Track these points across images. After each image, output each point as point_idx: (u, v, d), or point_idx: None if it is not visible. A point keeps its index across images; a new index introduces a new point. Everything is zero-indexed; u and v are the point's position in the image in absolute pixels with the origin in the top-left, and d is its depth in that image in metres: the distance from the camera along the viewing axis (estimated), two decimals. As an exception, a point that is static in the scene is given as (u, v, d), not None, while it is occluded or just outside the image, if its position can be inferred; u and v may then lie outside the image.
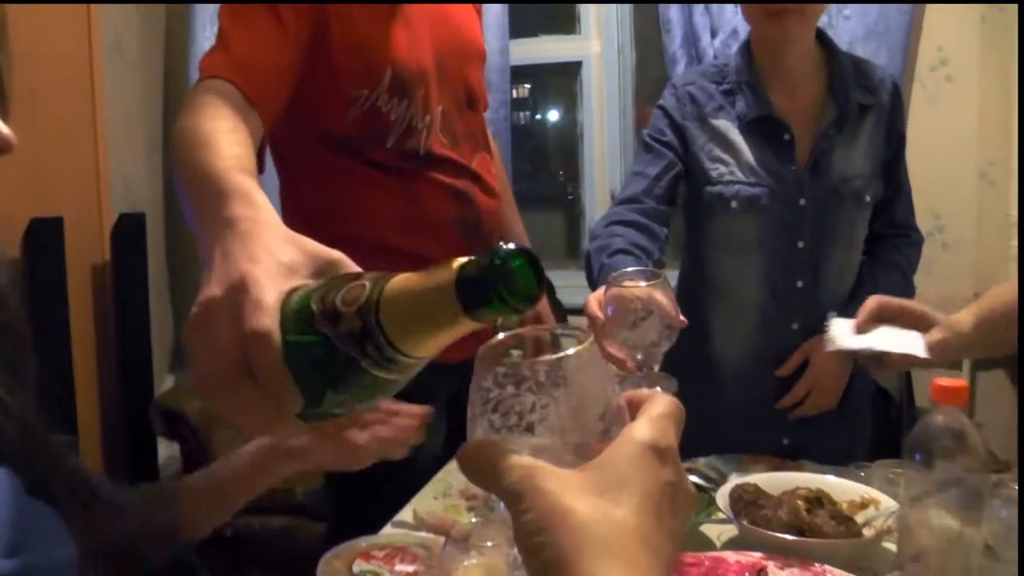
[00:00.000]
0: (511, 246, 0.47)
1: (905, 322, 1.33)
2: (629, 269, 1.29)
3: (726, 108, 1.63)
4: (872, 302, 1.33)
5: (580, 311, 3.15)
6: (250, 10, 1.27)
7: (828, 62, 1.65)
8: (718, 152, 1.63)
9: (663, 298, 1.17)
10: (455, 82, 1.54)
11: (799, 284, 1.60)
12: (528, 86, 3.83)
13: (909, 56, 2.94)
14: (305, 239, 0.63)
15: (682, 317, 1.19)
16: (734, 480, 1.26)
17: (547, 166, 3.92)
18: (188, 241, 3.57)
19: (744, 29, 2.93)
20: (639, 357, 1.19)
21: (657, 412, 0.51)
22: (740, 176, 1.60)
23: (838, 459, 1.46)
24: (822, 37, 1.66)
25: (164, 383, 3.38)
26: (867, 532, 1.11)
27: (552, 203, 3.82)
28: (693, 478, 1.31)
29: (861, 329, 1.33)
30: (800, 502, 1.12)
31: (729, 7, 2.97)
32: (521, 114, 3.86)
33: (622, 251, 1.49)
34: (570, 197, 3.67)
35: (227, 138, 0.94)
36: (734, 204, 1.60)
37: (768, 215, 1.59)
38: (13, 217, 2.33)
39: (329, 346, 0.51)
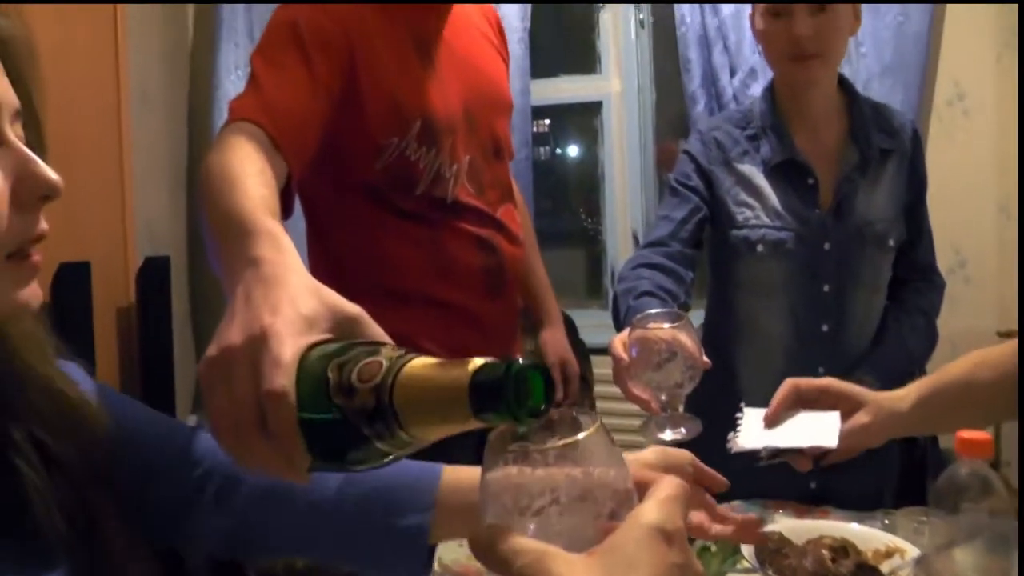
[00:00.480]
0: (526, 362, 0.50)
1: (826, 404, 1.27)
2: (653, 311, 1.30)
3: (751, 153, 1.65)
4: (787, 387, 1.28)
5: (602, 350, 3.14)
6: (283, 56, 1.28)
7: (849, 106, 1.66)
8: (744, 196, 1.64)
9: (687, 340, 1.18)
10: (483, 132, 1.56)
11: (824, 328, 1.60)
12: (548, 121, 3.85)
13: (926, 91, 2.95)
14: (326, 290, 0.63)
15: (706, 359, 1.20)
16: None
17: (568, 203, 3.94)
18: (211, 284, 3.61)
19: (762, 68, 2.97)
20: (663, 398, 1.20)
21: (664, 495, 0.52)
22: (766, 220, 1.62)
23: (866, 503, 1.44)
24: (842, 82, 1.67)
25: (187, 423, 3.40)
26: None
27: (574, 240, 3.83)
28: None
29: (774, 418, 1.28)
30: (825, 551, 1.11)
31: (747, 46, 3.00)
32: (542, 149, 3.88)
33: (648, 293, 1.49)
34: (591, 234, 3.69)
35: (254, 180, 0.95)
36: (760, 248, 1.61)
37: (793, 259, 1.60)
38: (44, 262, 2.37)
39: (341, 417, 0.53)
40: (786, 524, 1.24)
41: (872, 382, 1.50)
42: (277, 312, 0.60)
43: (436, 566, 1.30)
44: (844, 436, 1.23)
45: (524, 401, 0.50)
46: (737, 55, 3.02)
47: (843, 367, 1.52)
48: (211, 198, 0.90)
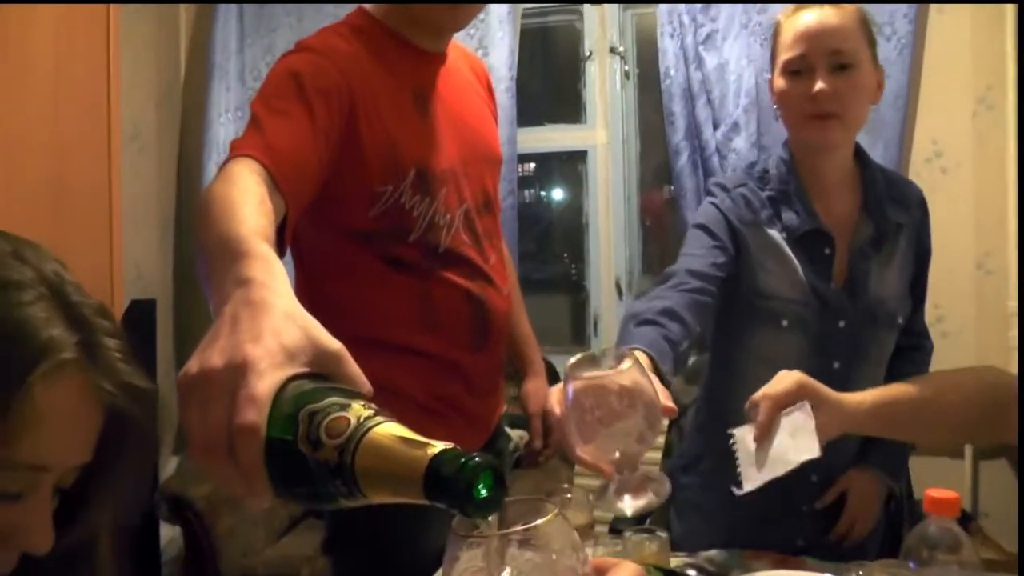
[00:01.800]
0: (482, 462, 0.52)
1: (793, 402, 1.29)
2: (589, 353, 1.06)
3: (775, 218, 1.59)
4: (767, 406, 1.27)
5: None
6: (285, 104, 1.29)
7: (862, 176, 1.62)
8: (772, 264, 1.58)
9: (642, 383, 0.98)
10: (475, 185, 1.58)
11: None
12: (533, 165, 3.90)
13: (904, 149, 3.02)
14: (311, 322, 0.65)
15: (671, 403, 1.05)
16: (735, 576, 1.27)
17: (553, 249, 3.98)
18: (197, 326, 3.62)
19: (745, 123, 3.03)
20: (615, 456, 1.00)
21: None
22: (790, 293, 1.57)
23: (852, 558, 1.45)
24: (857, 151, 1.64)
25: (168, 464, 3.39)
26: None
27: (558, 287, 3.86)
28: (693, 573, 1.32)
29: (764, 431, 1.27)
30: (800, 601, 1.13)
31: (730, 101, 3.06)
32: (527, 192, 3.93)
33: (648, 322, 1.39)
34: (575, 281, 3.72)
35: (252, 209, 0.96)
36: (784, 322, 1.57)
37: (810, 335, 1.56)
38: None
39: (303, 464, 0.55)
40: (762, 574, 1.26)
41: (875, 471, 1.60)
42: (259, 341, 0.61)
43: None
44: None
45: (474, 503, 0.52)
46: (720, 109, 3.08)
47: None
48: (208, 223, 0.91)
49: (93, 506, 0.76)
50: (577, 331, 3.71)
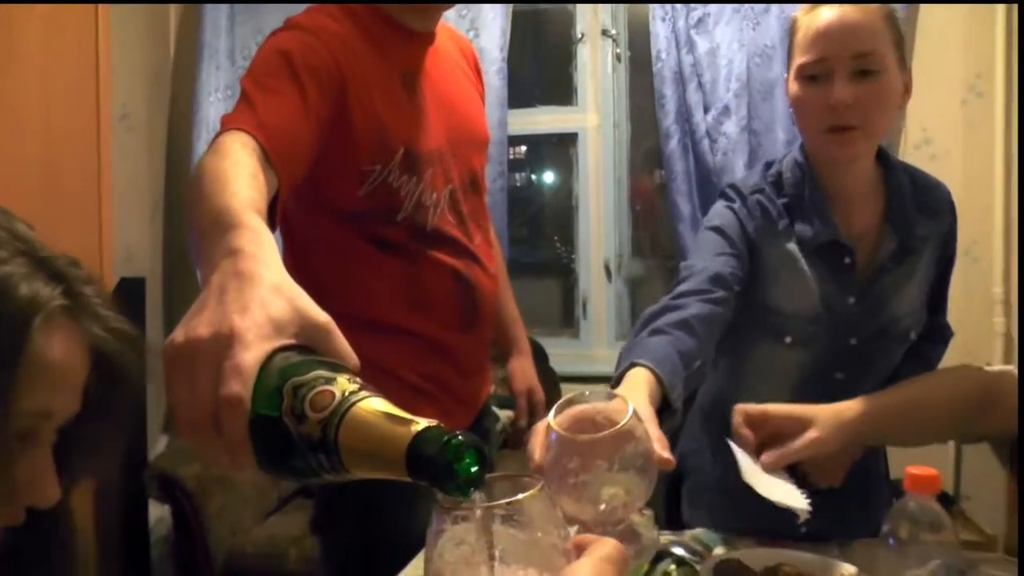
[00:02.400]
0: (465, 441, 0.52)
1: (771, 428, 1.27)
2: (581, 394, 0.93)
3: (792, 227, 1.47)
4: (738, 417, 1.26)
5: (572, 379, 3.19)
6: (275, 82, 1.29)
7: (886, 182, 1.48)
8: (786, 279, 1.47)
9: (636, 429, 0.85)
10: (462, 165, 1.59)
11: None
12: (524, 148, 3.89)
13: (895, 136, 3.04)
14: (299, 293, 0.65)
15: (668, 455, 0.92)
16: (718, 554, 1.28)
17: (542, 232, 3.98)
18: (186, 308, 3.60)
19: (736, 107, 3.03)
20: (601, 508, 0.85)
21: (599, 555, 0.54)
22: (801, 309, 1.47)
23: (834, 538, 1.44)
24: (880, 153, 1.49)
25: (158, 443, 3.39)
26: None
27: (547, 270, 3.87)
28: (677, 550, 1.34)
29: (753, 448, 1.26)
30: (782, 579, 1.15)
31: (721, 85, 3.07)
32: (517, 175, 3.92)
33: (662, 333, 1.27)
34: (565, 264, 3.73)
35: (245, 181, 0.96)
36: (788, 339, 1.48)
37: (817, 351, 1.49)
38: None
39: (288, 437, 0.55)
40: (745, 552, 1.27)
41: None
42: (247, 312, 0.61)
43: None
44: (801, 450, 1.25)
45: (455, 481, 0.52)
46: (711, 93, 3.08)
47: None
48: (200, 195, 0.90)
49: (83, 454, 0.77)
50: (566, 314, 3.72)
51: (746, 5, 3.07)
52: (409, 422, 0.54)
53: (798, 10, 1.45)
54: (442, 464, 0.52)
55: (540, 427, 0.91)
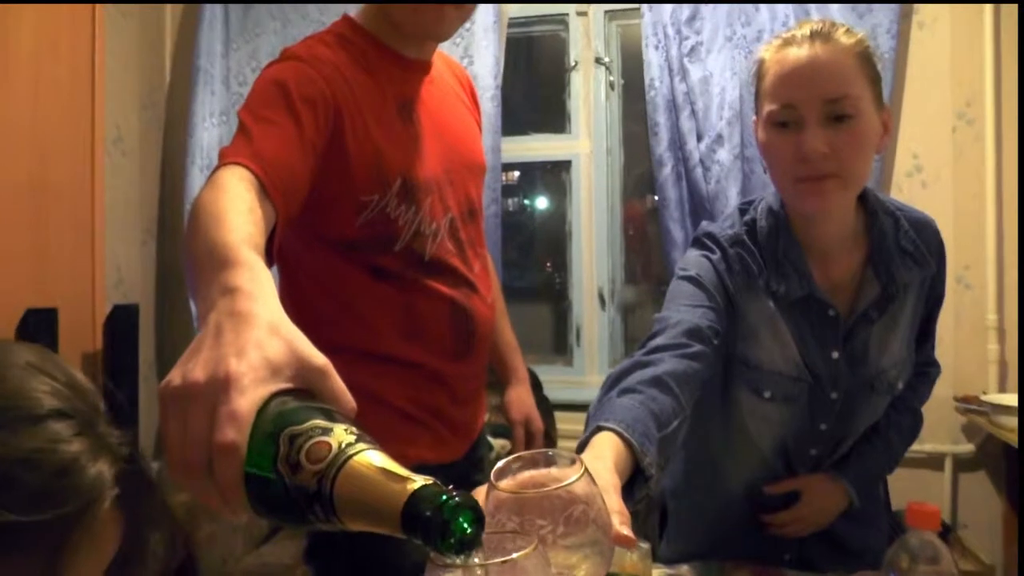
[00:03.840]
0: (461, 501, 0.52)
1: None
2: (527, 454, 0.80)
3: (771, 282, 1.39)
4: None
5: (566, 406, 3.17)
6: (272, 113, 1.29)
7: (869, 227, 1.41)
8: (765, 335, 1.41)
9: (594, 499, 0.72)
10: (460, 193, 1.59)
11: (812, 452, 1.50)
12: (517, 173, 3.90)
13: (886, 164, 3.06)
14: (296, 334, 0.64)
15: (627, 531, 0.80)
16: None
17: (536, 258, 3.98)
18: (178, 332, 3.61)
19: (728, 135, 3.05)
20: None
21: None
22: (781, 367, 1.41)
23: (831, 569, 1.43)
24: (863, 196, 1.41)
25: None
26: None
27: (540, 296, 3.86)
28: (676, 584, 1.33)
29: None
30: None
31: (714, 113, 3.08)
32: (510, 201, 3.93)
33: (633, 392, 1.14)
34: (558, 290, 3.73)
35: (242, 217, 0.95)
36: (767, 393, 1.42)
37: (798, 405, 1.43)
38: (10, 306, 2.36)
39: (282, 486, 0.55)
40: (743, 585, 1.27)
41: (847, 485, 1.49)
42: (243, 356, 0.60)
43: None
44: None
45: (450, 542, 0.52)
46: (704, 121, 3.10)
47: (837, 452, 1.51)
48: (197, 231, 0.89)
49: None
50: (559, 341, 3.72)
51: (738, 35, 3.09)
52: (405, 479, 0.53)
53: (763, 48, 1.37)
54: (438, 524, 0.51)
55: (482, 488, 0.79)
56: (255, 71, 3.47)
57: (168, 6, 3.69)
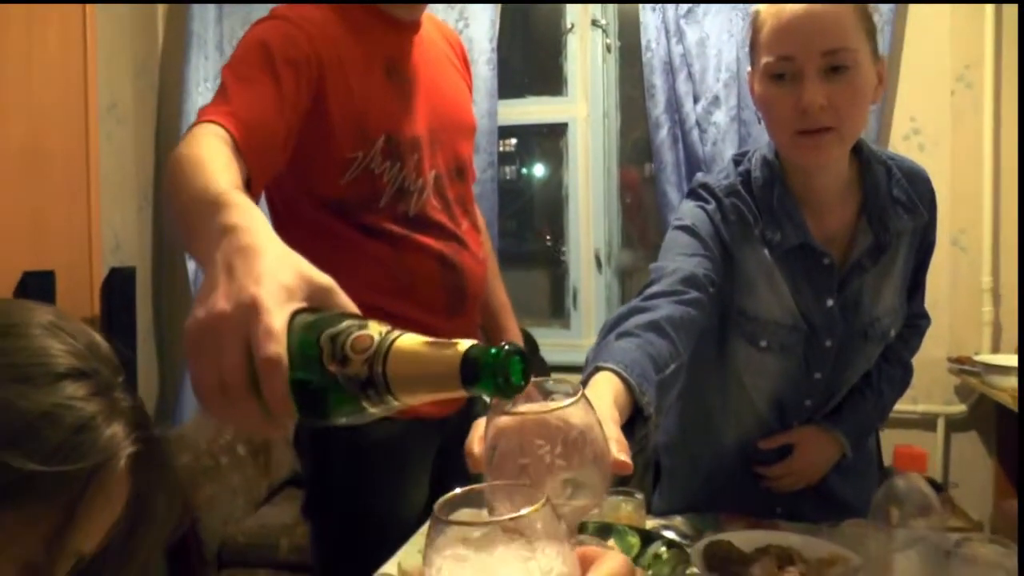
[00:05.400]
0: (511, 349, 0.57)
1: None
2: (548, 382, 0.75)
3: (766, 231, 1.41)
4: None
5: (564, 368, 3.19)
6: (253, 72, 1.31)
7: (863, 177, 1.42)
8: (761, 286, 1.42)
9: (592, 428, 0.68)
10: (447, 152, 1.60)
11: (807, 403, 1.52)
12: (514, 140, 3.89)
13: (884, 126, 3.06)
14: (300, 260, 0.67)
15: (625, 455, 0.79)
16: (708, 537, 1.29)
17: (533, 223, 3.98)
18: (175, 295, 3.61)
19: (725, 97, 3.04)
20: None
21: (606, 571, 0.52)
22: (777, 316, 1.42)
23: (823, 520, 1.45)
24: (857, 147, 1.42)
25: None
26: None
27: (537, 261, 3.87)
28: (669, 533, 1.35)
29: None
30: (771, 559, 1.16)
31: (711, 75, 3.07)
32: (507, 168, 3.92)
33: (630, 335, 1.14)
34: (555, 255, 3.73)
35: (223, 166, 0.99)
36: (763, 343, 1.44)
37: (794, 355, 1.45)
38: (9, 269, 2.38)
39: (333, 383, 0.59)
40: (734, 534, 1.28)
41: (840, 436, 1.52)
42: (261, 283, 0.63)
43: (395, 571, 1.33)
44: None
45: (507, 379, 0.57)
46: (701, 83, 3.09)
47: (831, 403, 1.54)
48: (181, 181, 0.92)
49: None
50: (556, 305, 3.73)
51: (736, -5, 3.08)
52: (453, 344, 0.58)
53: (762, 4, 1.35)
54: (497, 369, 0.56)
55: (479, 421, 0.77)
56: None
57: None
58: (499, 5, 3.31)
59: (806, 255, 1.41)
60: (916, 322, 1.61)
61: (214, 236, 0.71)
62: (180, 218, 0.88)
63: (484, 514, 0.65)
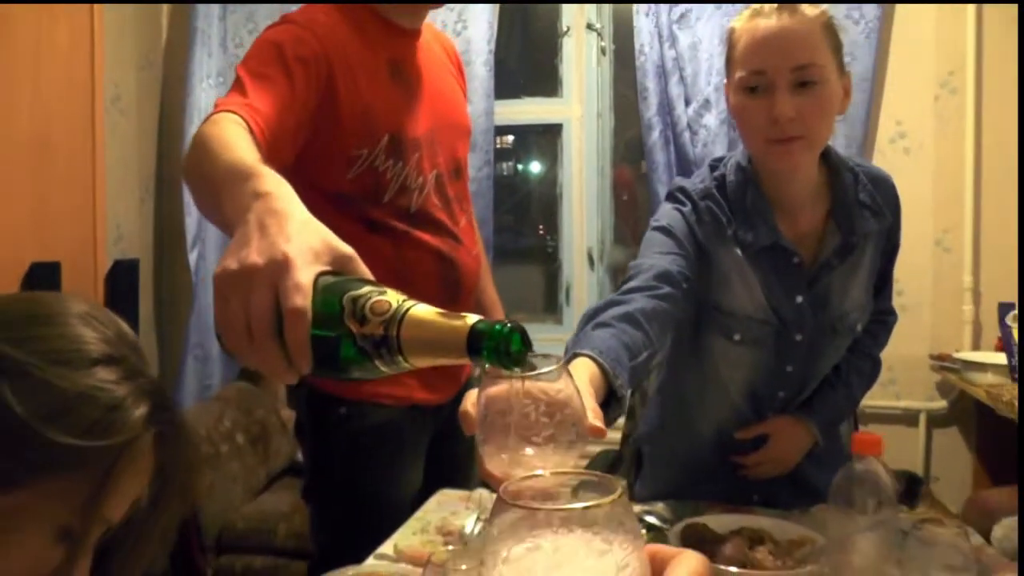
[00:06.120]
0: (513, 325, 0.65)
1: None
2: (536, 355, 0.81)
3: (738, 232, 1.50)
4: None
5: (555, 363, 3.25)
6: (267, 70, 1.39)
7: (831, 182, 1.52)
8: (735, 282, 1.51)
9: (568, 393, 0.77)
10: (446, 152, 1.68)
11: (780, 395, 1.61)
12: (511, 137, 3.95)
13: (870, 129, 3.13)
14: (325, 229, 0.75)
15: (599, 423, 0.88)
16: (686, 521, 1.37)
17: (528, 220, 4.05)
18: (175, 288, 3.68)
19: (716, 100, 3.11)
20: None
21: (687, 570, 0.47)
22: (749, 311, 1.52)
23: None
24: (825, 153, 1.51)
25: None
26: (803, 567, 1.22)
27: (532, 257, 3.93)
28: (649, 518, 1.43)
29: None
30: (743, 539, 1.24)
31: (702, 78, 3.14)
32: (504, 165, 3.99)
33: (605, 325, 1.23)
34: (549, 251, 3.80)
35: (249, 146, 1.07)
36: (737, 336, 1.53)
37: (766, 348, 1.54)
38: (16, 260, 2.44)
39: (350, 339, 0.66)
40: (710, 517, 1.36)
41: (812, 426, 1.60)
42: (291, 242, 0.70)
43: (392, 551, 1.40)
44: None
45: (510, 351, 0.64)
46: (692, 86, 3.16)
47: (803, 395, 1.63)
48: (208, 154, 1.00)
49: (118, 562, 0.82)
50: (550, 300, 3.80)
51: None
52: (463, 316, 0.66)
53: (734, 19, 1.46)
54: (499, 341, 0.63)
55: (473, 391, 0.84)
56: (252, 33, 3.52)
57: (165, -33, 3.73)
58: (497, 8, 3.38)
59: (777, 254, 1.50)
60: (883, 318, 1.70)
61: (246, 199, 0.79)
62: (207, 183, 0.96)
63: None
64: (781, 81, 1.36)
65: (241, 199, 0.80)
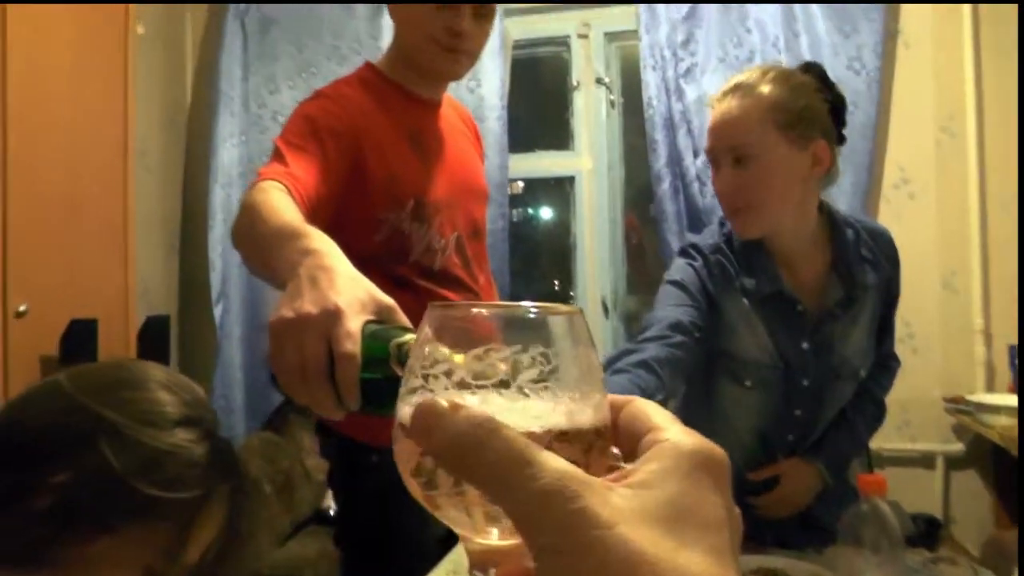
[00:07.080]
0: None
1: None
2: None
3: (745, 283, 1.60)
4: None
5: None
6: (302, 141, 1.50)
7: (832, 236, 1.62)
8: (743, 330, 1.61)
9: None
10: (465, 215, 1.78)
11: (789, 438, 1.68)
12: (522, 183, 4.00)
13: (874, 176, 3.21)
14: (369, 284, 0.83)
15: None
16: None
17: (541, 268, 4.12)
18: (199, 342, 3.74)
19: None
20: None
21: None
22: (756, 356, 1.61)
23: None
24: (825, 209, 1.62)
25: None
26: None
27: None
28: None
29: None
30: (759, 578, 1.30)
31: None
32: (515, 211, 4.07)
33: (622, 372, 1.36)
34: (562, 300, 3.85)
35: (295, 211, 1.18)
36: (748, 382, 1.62)
37: (775, 392, 1.62)
38: (54, 316, 2.51)
39: (395, 381, 0.73)
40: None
41: (821, 467, 1.67)
42: (341, 294, 0.78)
43: None
44: None
45: None
46: (700, 138, 3.23)
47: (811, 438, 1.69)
48: (259, 217, 1.12)
49: None
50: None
51: (731, 55, 3.25)
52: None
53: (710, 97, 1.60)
54: None
55: None
56: (272, 94, 3.63)
57: (189, 29, 3.86)
58: (509, 65, 3.49)
59: (781, 302, 1.60)
60: (886, 362, 1.79)
61: (296, 256, 0.89)
62: (258, 243, 1.07)
63: None
64: (722, 159, 1.52)
65: (291, 256, 0.90)
